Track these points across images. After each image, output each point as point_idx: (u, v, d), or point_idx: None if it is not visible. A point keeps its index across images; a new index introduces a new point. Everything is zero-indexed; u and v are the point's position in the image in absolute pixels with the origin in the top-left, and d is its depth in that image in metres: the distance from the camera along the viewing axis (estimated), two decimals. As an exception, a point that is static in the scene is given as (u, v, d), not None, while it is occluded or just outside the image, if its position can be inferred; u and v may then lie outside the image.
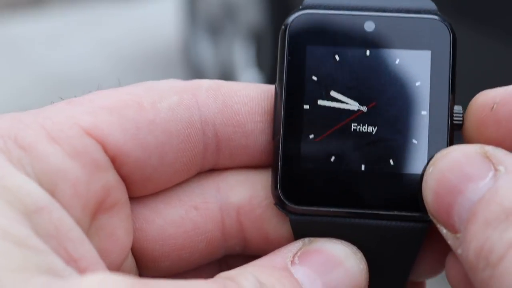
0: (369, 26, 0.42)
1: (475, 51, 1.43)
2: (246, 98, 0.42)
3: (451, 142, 0.41)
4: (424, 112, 0.41)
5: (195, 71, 2.83)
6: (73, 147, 0.37)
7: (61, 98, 0.40)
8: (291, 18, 0.43)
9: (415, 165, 0.41)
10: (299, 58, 0.42)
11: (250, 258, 0.41)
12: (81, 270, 0.34)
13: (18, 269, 0.31)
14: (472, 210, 0.35)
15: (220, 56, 2.65)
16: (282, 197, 0.41)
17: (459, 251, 0.36)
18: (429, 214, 0.38)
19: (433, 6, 0.43)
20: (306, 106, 0.42)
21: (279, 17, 2.30)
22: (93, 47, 3.46)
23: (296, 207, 0.41)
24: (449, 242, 0.37)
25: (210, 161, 0.42)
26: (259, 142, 0.42)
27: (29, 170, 0.35)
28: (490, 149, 0.37)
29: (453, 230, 0.36)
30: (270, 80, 2.35)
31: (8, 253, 0.31)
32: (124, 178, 0.39)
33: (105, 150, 0.38)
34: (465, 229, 0.36)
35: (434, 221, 0.38)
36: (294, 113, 0.42)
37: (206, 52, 2.74)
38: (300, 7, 0.43)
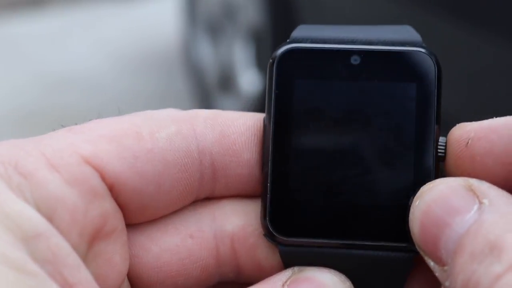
0: (355, 60, 0.43)
1: (474, 52, 1.43)
2: (243, 127, 0.43)
3: (437, 173, 0.42)
4: (410, 145, 0.42)
5: (195, 71, 2.83)
6: (72, 174, 0.37)
7: (62, 125, 0.41)
8: (279, 51, 0.43)
9: (402, 196, 0.42)
10: (286, 91, 0.43)
11: (242, 286, 0.42)
12: None
13: None
14: (459, 243, 0.36)
15: (220, 56, 2.65)
16: (270, 229, 0.42)
17: (446, 284, 0.37)
18: (416, 246, 0.39)
19: (418, 38, 0.44)
20: (294, 139, 0.42)
21: (279, 17, 2.30)
22: (93, 46, 3.47)
23: (285, 238, 0.42)
24: (437, 274, 0.37)
25: (206, 189, 0.43)
26: (254, 172, 0.43)
27: (28, 197, 0.36)
28: (474, 182, 0.38)
29: (441, 262, 0.37)
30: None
31: (4, 277, 0.32)
32: (121, 206, 0.40)
33: (103, 178, 0.39)
34: (452, 262, 0.36)
35: (422, 253, 0.38)
36: (282, 145, 0.42)
37: (206, 52, 2.74)
38: (288, 40, 0.44)
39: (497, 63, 1.44)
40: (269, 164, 0.42)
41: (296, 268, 0.41)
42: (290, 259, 0.42)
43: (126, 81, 3.08)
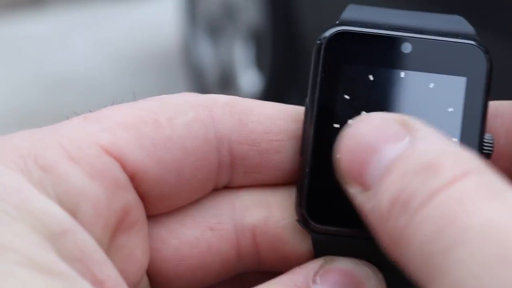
0: (406, 48, 0.42)
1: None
2: (262, 117, 0.42)
3: None
4: (455, 139, 0.41)
5: (195, 71, 2.83)
6: (92, 166, 0.36)
7: (76, 113, 0.40)
8: (327, 33, 0.42)
9: None
10: (333, 75, 0.42)
11: (263, 274, 0.42)
12: None
13: None
14: (389, 166, 0.35)
15: (220, 56, 2.65)
16: (306, 215, 0.41)
17: (368, 206, 0.36)
18: (338, 175, 0.38)
19: (471, 30, 0.42)
20: (337, 125, 0.41)
21: (279, 17, 2.30)
22: (93, 46, 3.47)
23: (320, 226, 0.41)
24: (358, 200, 0.36)
25: (224, 178, 0.42)
26: (273, 161, 0.42)
27: (51, 192, 0.35)
28: (407, 117, 0.37)
29: (365, 187, 0.36)
30: (269, 80, 2.36)
31: (34, 282, 0.31)
32: (142, 196, 0.39)
33: (124, 168, 0.38)
34: (379, 183, 0.35)
35: (343, 181, 0.37)
36: (323, 131, 0.41)
37: (206, 52, 2.74)
38: (337, 22, 0.43)
39: (495, 63, 1.44)
40: (310, 150, 0.41)
41: (328, 258, 0.40)
42: (322, 248, 0.41)
43: (126, 81, 3.08)
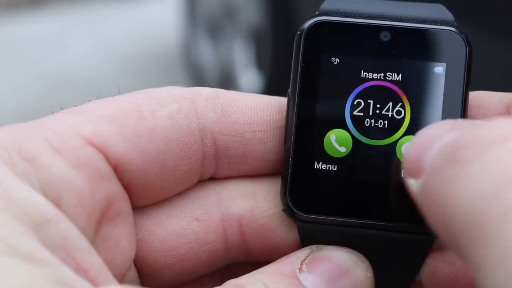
0: (385, 36, 0.42)
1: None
2: (245, 108, 0.42)
3: None
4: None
5: (195, 71, 2.83)
6: (76, 157, 0.37)
7: (61, 108, 0.40)
8: (307, 24, 0.43)
9: None
10: (313, 65, 0.42)
11: (253, 265, 0.42)
12: (90, 280, 0.35)
13: (27, 284, 0.31)
14: (446, 144, 0.33)
15: (220, 56, 2.65)
16: (291, 204, 0.41)
17: (419, 185, 0.34)
18: (403, 172, 0.37)
19: (450, 17, 0.43)
20: (318, 114, 0.42)
21: (279, 17, 2.30)
22: (93, 46, 3.47)
23: (305, 215, 0.41)
24: (412, 188, 0.35)
25: (210, 169, 0.42)
26: (257, 152, 0.42)
27: (34, 182, 0.35)
28: (482, 121, 0.35)
29: (421, 172, 0.34)
30: (269, 80, 2.36)
31: (15, 268, 0.31)
32: (127, 187, 0.39)
33: (107, 159, 0.38)
34: (433, 158, 0.34)
35: (405, 177, 0.36)
36: (306, 120, 0.42)
37: (206, 52, 2.74)
38: (317, 13, 0.43)
39: (494, 63, 1.44)
40: (292, 139, 0.42)
41: (314, 247, 0.41)
42: (308, 237, 0.41)
43: (126, 81, 3.08)
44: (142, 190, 0.40)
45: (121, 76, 3.17)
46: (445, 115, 0.41)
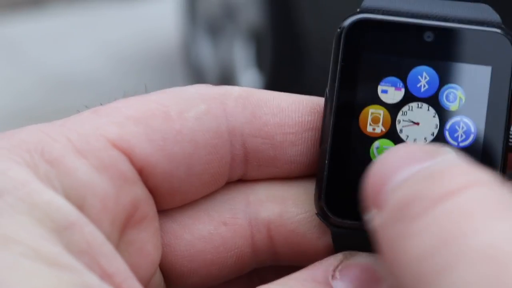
0: (429, 36, 0.41)
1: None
2: (276, 109, 0.41)
3: (504, 164, 0.40)
4: (479, 131, 0.40)
5: (195, 71, 2.83)
6: (100, 160, 0.36)
7: (86, 107, 0.39)
8: (348, 21, 0.41)
9: None
10: (353, 64, 0.41)
11: (280, 268, 0.41)
12: (115, 285, 0.34)
13: None
14: (402, 181, 0.33)
15: (220, 56, 2.65)
16: (325, 209, 0.40)
17: (377, 221, 0.34)
18: (363, 203, 0.36)
19: (497, 18, 0.41)
20: (357, 116, 0.40)
21: (279, 17, 2.30)
22: (93, 47, 3.47)
23: (340, 220, 0.40)
24: (372, 222, 0.34)
25: (238, 172, 0.41)
26: (288, 154, 0.41)
27: (57, 185, 0.34)
28: (437, 147, 0.35)
29: (379, 206, 0.34)
30: (270, 80, 2.36)
31: (39, 274, 0.31)
32: (152, 190, 0.38)
33: (132, 162, 0.37)
34: (389, 197, 0.33)
35: (366, 209, 0.35)
36: (343, 121, 0.40)
37: (206, 52, 2.74)
38: (358, 10, 0.41)
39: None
40: (329, 141, 0.40)
41: (347, 253, 0.39)
42: (342, 243, 0.40)
43: (127, 81, 3.08)
44: (168, 193, 0.39)
45: (121, 76, 3.17)
46: (489, 120, 0.40)
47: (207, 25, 2.73)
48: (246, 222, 0.41)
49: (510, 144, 0.40)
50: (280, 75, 2.36)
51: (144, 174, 0.38)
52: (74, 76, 3.17)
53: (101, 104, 0.39)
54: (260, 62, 2.41)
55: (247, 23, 2.46)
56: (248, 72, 2.47)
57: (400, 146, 0.36)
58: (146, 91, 0.41)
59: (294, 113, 0.41)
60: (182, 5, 2.93)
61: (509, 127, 0.40)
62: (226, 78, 2.59)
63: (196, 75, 2.80)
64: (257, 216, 0.41)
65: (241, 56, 2.50)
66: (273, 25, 2.30)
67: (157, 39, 3.48)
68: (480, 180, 0.32)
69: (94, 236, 0.34)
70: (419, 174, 0.33)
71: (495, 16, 0.41)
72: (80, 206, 0.35)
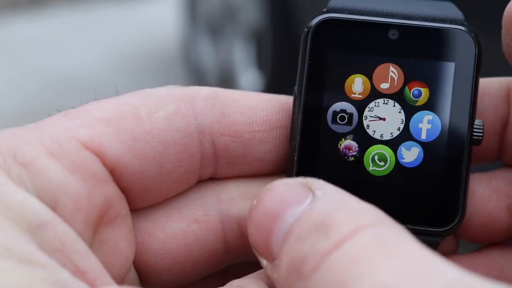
0: (394, 34, 0.42)
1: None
2: (244, 108, 0.42)
3: (469, 157, 0.41)
4: (445, 126, 0.41)
5: (195, 72, 2.83)
6: (72, 161, 0.37)
7: (58, 110, 0.40)
8: (314, 21, 0.42)
9: (430, 179, 0.41)
10: (320, 62, 0.42)
11: (255, 264, 0.41)
12: (89, 282, 0.35)
13: (24, 286, 0.31)
14: (288, 230, 0.34)
15: (220, 56, 2.65)
16: None
17: (275, 276, 0.35)
18: (252, 248, 0.37)
19: (460, 15, 0.42)
20: (325, 112, 0.41)
21: (279, 17, 2.30)
22: (93, 47, 3.47)
23: None
24: (268, 272, 0.36)
25: (208, 170, 0.42)
26: (257, 152, 0.42)
27: (29, 187, 0.35)
28: (310, 179, 0.36)
29: (271, 257, 0.35)
30: (270, 80, 2.36)
31: (13, 271, 0.31)
32: (124, 190, 0.39)
33: (104, 162, 0.38)
34: (280, 250, 0.34)
35: (256, 254, 0.36)
36: (312, 118, 0.41)
37: (206, 52, 2.74)
38: (325, 9, 0.42)
39: (491, 61, 1.44)
40: (298, 138, 0.41)
41: None
42: None
43: (126, 82, 3.08)
44: (140, 192, 0.40)
45: (121, 76, 3.17)
46: (454, 115, 0.41)
47: (207, 25, 2.73)
48: (218, 219, 0.42)
49: (475, 138, 0.41)
50: (280, 75, 2.36)
51: (115, 174, 0.38)
52: (73, 75, 3.17)
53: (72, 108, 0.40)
54: (260, 63, 2.41)
55: (247, 24, 2.46)
56: (248, 73, 2.47)
57: (274, 184, 0.36)
58: (118, 88, 0.42)
59: (262, 111, 0.42)
60: (182, 5, 2.93)
61: (473, 121, 0.41)
62: (226, 78, 2.60)
63: (196, 76, 2.80)
64: (228, 213, 0.42)
65: (241, 56, 2.50)
66: (273, 26, 2.30)
67: (157, 39, 3.48)
68: (362, 224, 0.32)
69: (67, 234, 0.35)
70: (303, 225, 0.33)
71: (458, 14, 0.42)
72: (53, 206, 0.35)
